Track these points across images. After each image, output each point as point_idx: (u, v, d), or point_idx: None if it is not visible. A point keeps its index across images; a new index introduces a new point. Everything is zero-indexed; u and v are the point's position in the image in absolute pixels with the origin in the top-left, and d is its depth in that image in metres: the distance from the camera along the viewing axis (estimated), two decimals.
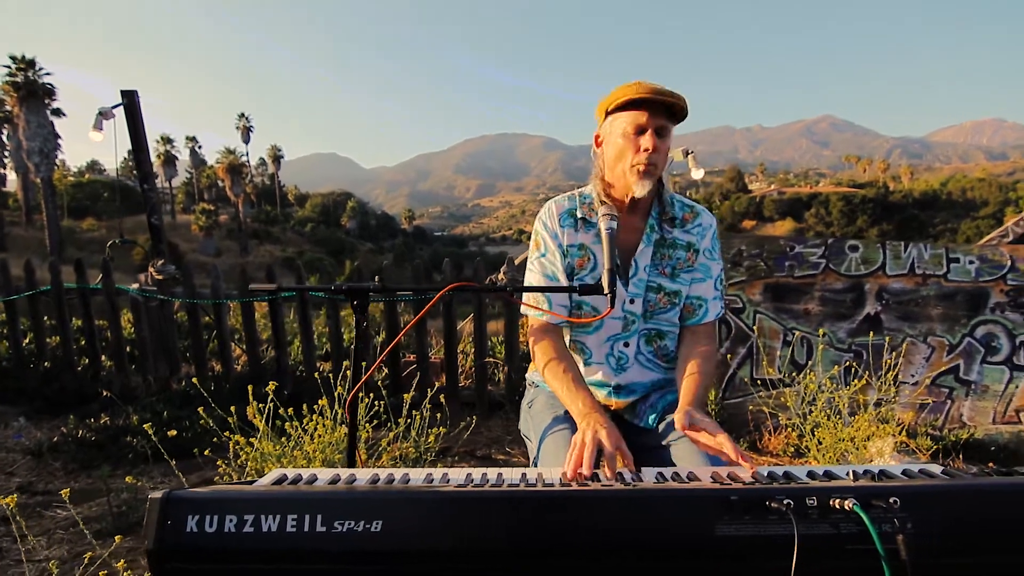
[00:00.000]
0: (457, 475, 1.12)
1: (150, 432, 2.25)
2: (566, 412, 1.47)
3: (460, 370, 4.25)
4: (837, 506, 0.79)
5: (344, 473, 1.14)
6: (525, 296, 1.50)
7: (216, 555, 0.83)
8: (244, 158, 62.39)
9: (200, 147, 67.18)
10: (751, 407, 3.57)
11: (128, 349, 4.55)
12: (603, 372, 1.54)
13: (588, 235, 1.49)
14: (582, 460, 1.11)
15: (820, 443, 2.89)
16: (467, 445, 3.38)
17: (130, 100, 3.64)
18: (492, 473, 1.13)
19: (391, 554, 0.81)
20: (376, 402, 2.48)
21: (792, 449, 3.25)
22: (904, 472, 1.09)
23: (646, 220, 1.49)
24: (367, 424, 2.41)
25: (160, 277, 3.98)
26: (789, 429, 3.22)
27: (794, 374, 3.46)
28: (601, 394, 1.56)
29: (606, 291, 1.28)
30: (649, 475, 1.10)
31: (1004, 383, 3.59)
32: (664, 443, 1.42)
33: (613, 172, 1.43)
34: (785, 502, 0.79)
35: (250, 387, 2.28)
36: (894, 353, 3.33)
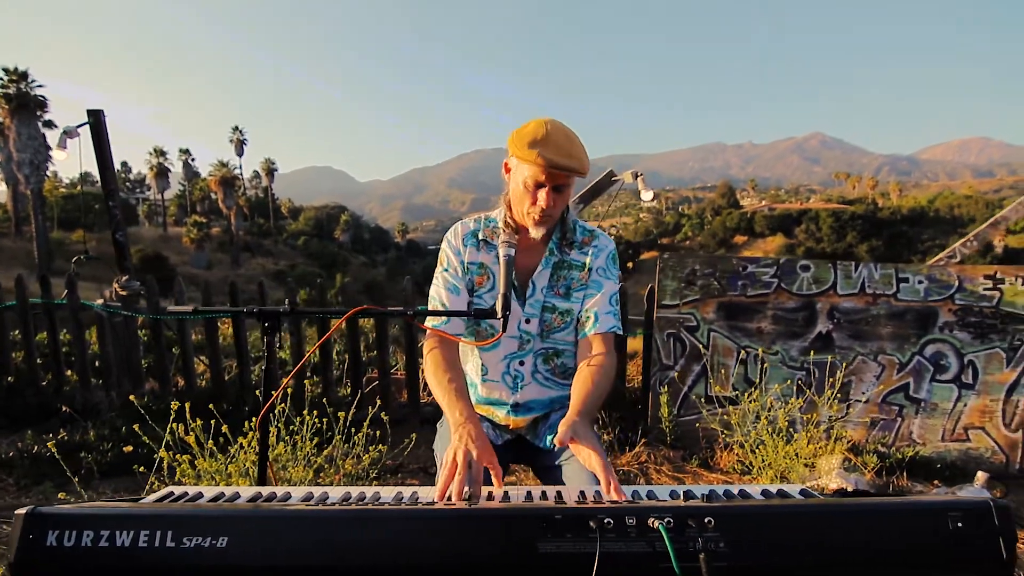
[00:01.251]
0: (337, 493, 1.16)
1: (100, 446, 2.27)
2: None
3: (423, 386, 4.29)
4: (653, 525, 0.84)
5: (229, 491, 1.18)
6: (432, 302, 1.56)
7: (71, 570, 0.87)
8: (237, 171, 62.47)
9: (194, 159, 67.31)
10: (703, 425, 3.62)
11: (96, 364, 4.56)
12: (501, 390, 1.59)
13: (489, 256, 1.56)
14: (451, 481, 1.13)
15: (764, 460, 2.95)
16: (421, 461, 3.40)
17: (96, 119, 3.70)
18: (369, 491, 1.17)
19: (234, 569, 0.85)
20: (320, 419, 2.52)
21: (740, 466, 3.29)
22: (763, 492, 1.14)
23: (547, 243, 1.55)
24: (308, 442, 2.45)
25: (124, 293, 4.01)
26: (737, 446, 3.27)
27: (748, 392, 3.52)
28: (501, 412, 1.61)
29: (499, 315, 1.34)
30: (519, 495, 1.14)
31: (952, 401, 3.66)
32: (557, 463, 1.47)
33: (515, 206, 1.50)
34: (605, 521, 0.84)
35: (187, 404, 2.31)
36: (838, 373, 3.40)
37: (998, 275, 3.72)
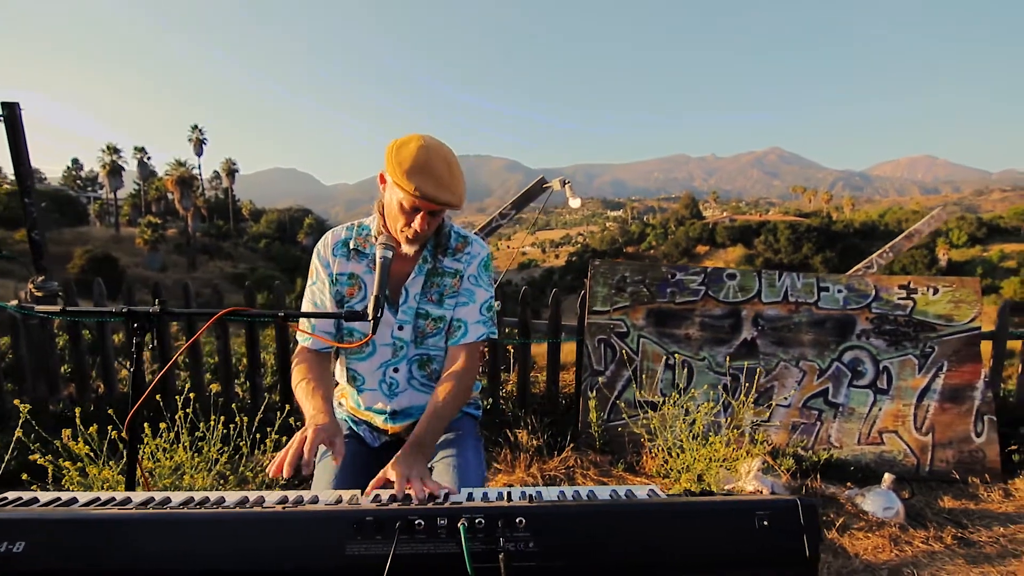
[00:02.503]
0: (180, 497, 1.13)
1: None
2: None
3: None
4: (464, 523, 0.84)
5: (66, 495, 1.13)
6: (301, 322, 1.54)
7: None
8: (196, 171, 60.69)
9: (149, 158, 65.04)
10: (631, 429, 3.67)
11: (11, 368, 4.33)
12: (377, 398, 1.58)
13: (360, 265, 1.55)
14: (283, 461, 1.15)
15: (683, 464, 3.01)
16: None
17: (11, 112, 3.53)
18: (233, 496, 1.14)
19: (28, 574, 0.82)
20: (227, 426, 2.45)
21: (664, 470, 3.35)
22: (611, 493, 1.16)
23: (421, 251, 1.55)
24: (212, 447, 2.38)
25: (40, 294, 3.83)
26: (658, 451, 3.33)
27: (675, 396, 3.59)
28: (379, 420, 1.60)
29: (370, 317, 1.33)
30: (350, 496, 1.14)
31: (868, 406, 3.80)
32: (429, 465, 1.46)
33: (389, 220, 1.48)
34: (416, 522, 0.84)
35: (77, 410, 2.21)
36: (760, 378, 3.50)
37: (911, 285, 3.91)
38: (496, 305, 3.85)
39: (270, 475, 1.13)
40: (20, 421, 2.23)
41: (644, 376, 3.76)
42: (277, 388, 4.66)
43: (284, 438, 2.46)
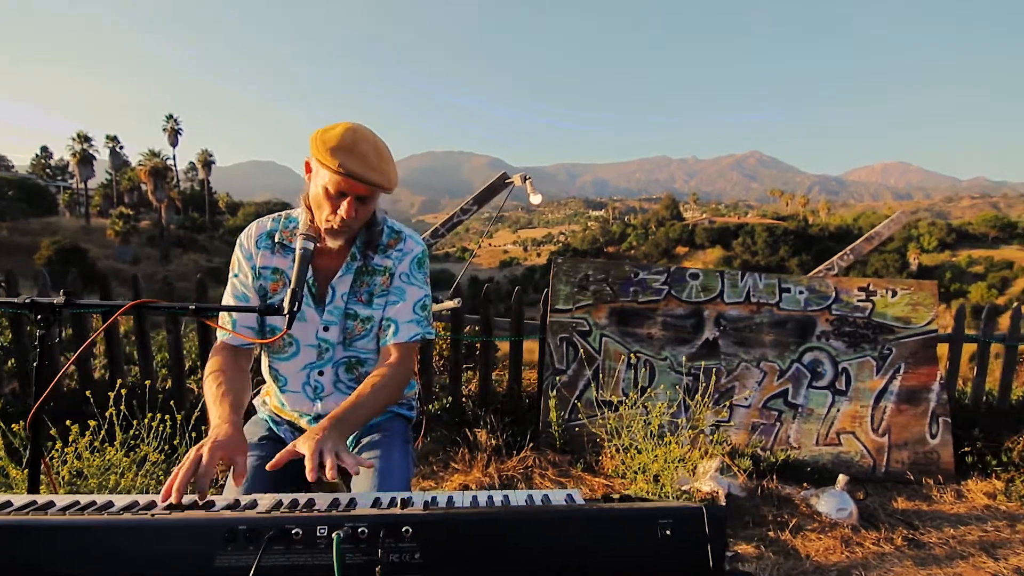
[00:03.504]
0: (64, 501, 1.05)
1: None
2: (260, 439, 1.45)
3: None
4: (343, 532, 0.79)
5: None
6: (221, 316, 1.46)
7: None
8: (171, 161, 59.41)
9: (122, 147, 63.49)
10: (591, 429, 3.64)
11: None
12: (301, 401, 1.51)
13: (285, 259, 1.46)
14: (175, 480, 1.04)
15: (640, 464, 2.98)
16: None
17: None
18: (122, 501, 1.06)
19: None
20: (164, 421, 2.35)
21: (623, 468, 3.33)
22: (527, 499, 1.11)
23: (349, 247, 1.47)
24: (148, 446, 2.28)
25: None
26: (615, 450, 3.30)
27: (634, 396, 3.57)
28: (303, 422, 1.54)
29: (286, 311, 1.26)
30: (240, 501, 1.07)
31: (827, 407, 3.83)
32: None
33: (315, 211, 1.40)
34: (294, 532, 0.78)
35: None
36: (721, 379, 3.50)
37: (871, 287, 3.94)
38: (455, 303, 3.77)
39: (160, 501, 1.01)
40: None
41: (606, 375, 3.73)
42: None
43: None
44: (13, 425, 2.12)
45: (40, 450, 1.41)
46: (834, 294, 3.90)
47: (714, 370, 3.71)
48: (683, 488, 3.10)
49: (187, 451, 2.38)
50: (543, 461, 3.44)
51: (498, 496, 1.11)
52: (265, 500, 1.06)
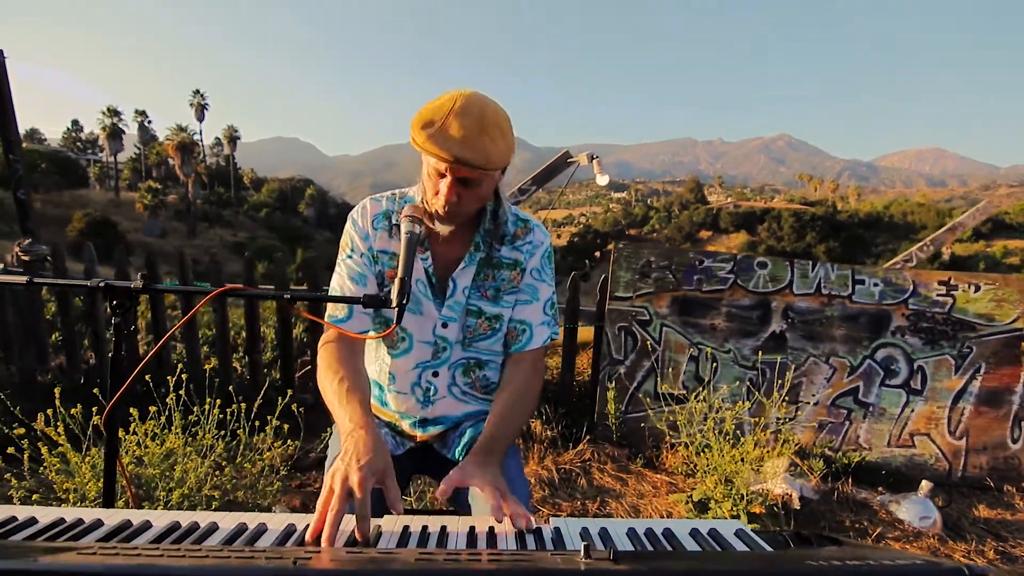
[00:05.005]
0: (161, 522, 0.92)
1: None
2: None
3: None
4: None
5: (23, 514, 0.92)
6: (328, 303, 1.31)
7: None
8: (197, 137, 59.92)
9: (150, 122, 64.15)
10: (651, 423, 3.48)
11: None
12: (408, 403, 1.35)
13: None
14: (323, 522, 0.87)
15: (710, 463, 2.81)
16: None
17: None
18: (228, 521, 0.93)
19: None
20: (226, 409, 2.24)
21: (686, 467, 3.17)
22: (692, 532, 0.95)
23: (472, 235, 1.30)
24: (209, 434, 2.17)
25: (27, 258, 3.61)
26: (683, 447, 3.14)
27: (698, 390, 3.39)
28: (406, 424, 1.38)
29: (394, 303, 1.10)
30: (392, 531, 0.92)
31: (900, 407, 3.61)
32: None
33: (425, 188, 1.24)
34: None
35: (56, 389, 2.00)
36: (788, 374, 3.30)
37: (952, 281, 3.67)
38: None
39: (308, 539, 0.85)
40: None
41: (666, 368, 3.55)
42: (277, 365, 4.47)
43: (287, 426, 2.25)
44: (41, 413, 2.02)
45: (116, 451, 1.28)
46: (912, 287, 3.65)
47: (780, 364, 3.51)
48: (752, 489, 2.93)
49: (249, 436, 2.26)
50: (601, 455, 3.29)
51: (659, 526, 0.95)
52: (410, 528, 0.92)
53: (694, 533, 0.94)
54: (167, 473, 2.02)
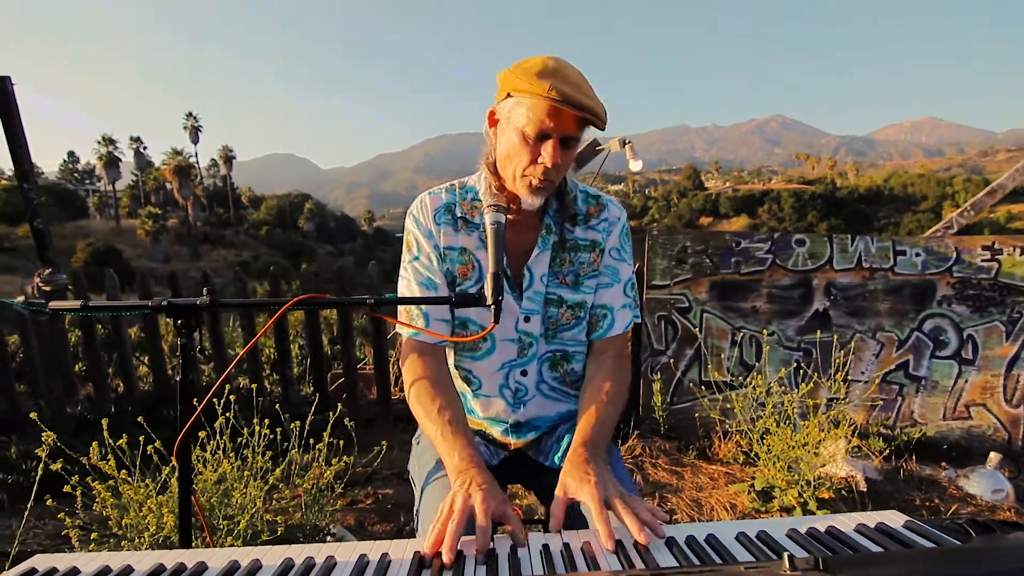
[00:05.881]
0: (274, 560, 0.83)
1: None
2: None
3: (395, 382, 3.94)
4: None
5: (118, 562, 0.83)
6: (399, 311, 1.21)
7: None
8: (193, 159, 60.02)
9: (145, 148, 64.29)
10: (699, 413, 3.38)
11: (27, 369, 4.06)
12: (498, 407, 1.25)
13: (471, 237, 1.19)
14: (444, 536, 0.82)
15: (769, 450, 2.71)
16: (396, 466, 3.07)
17: (1, 88, 3.19)
18: (321, 555, 0.84)
19: None
20: (273, 429, 2.15)
21: (743, 456, 3.07)
22: (859, 529, 0.85)
23: (542, 218, 1.20)
24: (260, 456, 2.08)
25: (48, 288, 3.53)
26: (738, 435, 3.03)
27: (742, 376, 3.29)
28: (497, 431, 1.28)
29: (489, 301, 1.01)
30: (535, 544, 0.83)
31: (953, 378, 3.50)
32: None
33: (502, 168, 1.14)
34: None
35: (103, 421, 1.91)
36: (843, 351, 3.19)
37: (996, 245, 3.56)
38: None
39: (427, 551, 0.80)
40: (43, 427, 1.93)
41: (709, 354, 3.45)
42: (306, 379, 4.38)
43: (341, 442, 2.16)
44: (92, 444, 1.93)
45: (190, 483, 1.19)
46: (955, 255, 3.53)
47: (826, 344, 3.40)
48: (814, 473, 2.82)
49: (297, 459, 2.17)
50: (652, 449, 3.19)
51: (820, 524, 0.86)
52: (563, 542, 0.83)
53: (861, 529, 0.84)
54: (223, 501, 1.93)
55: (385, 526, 2.53)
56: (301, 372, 4.50)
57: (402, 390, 4.11)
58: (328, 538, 2.20)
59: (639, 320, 1.28)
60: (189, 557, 0.84)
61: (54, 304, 1.20)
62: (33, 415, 1.96)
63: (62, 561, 0.84)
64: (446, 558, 0.79)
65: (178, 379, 1.19)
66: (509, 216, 1.12)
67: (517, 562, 0.79)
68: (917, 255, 3.54)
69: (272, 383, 4.09)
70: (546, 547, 0.83)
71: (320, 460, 2.17)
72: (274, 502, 2.07)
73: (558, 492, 0.96)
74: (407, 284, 1.20)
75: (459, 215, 1.19)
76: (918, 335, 3.53)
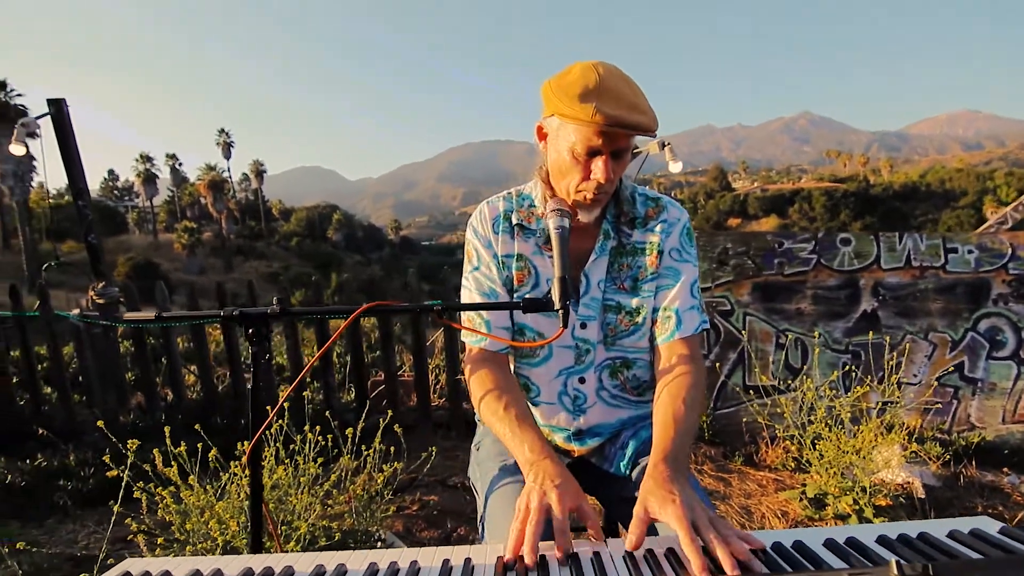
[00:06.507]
0: (358, 564, 0.84)
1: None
2: (512, 463, 1.18)
3: (433, 388, 3.96)
4: None
5: (208, 566, 0.85)
6: (462, 318, 1.22)
7: None
8: (226, 174, 61.76)
9: (180, 164, 66.43)
10: (745, 417, 3.31)
11: (80, 379, 4.22)
12: (558, 414, 1.24)
13: (527, 244, 1.20)
14: (523, 537, 0.82)
15: (822, 456, 2.64)
16: (438, 472, 3.08)
17: (58, 110, 3.32)
18: (405, 559, 0.84)
19: None
20: (324, 435, 2.19)
21: (793, 463, 2.99)
22: (952, 535, 0.82)
23: (600, 223, 1.19)
24: (312, 462, 2.11)
25: (101, 301, 3.66)
26: (787, 441, 2.96)
27: (789, 380, 3.21)
28: (559, 438, 1.27)
29: (557, 306, 1.00)
30: (613, 560, 0.82)
31: (1012, 380, 3.36)
32: (635, 494, 1.13)
33: (555, 181, 1.14)
34: None
35: (166, 429, 1.97)
36: (894, 352, 3.09)
37: None
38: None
39: (508, 556, 0.81)
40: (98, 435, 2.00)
41: (753, 358, 3.38)
42: (345, 386, 4.44)
43: (392, 448, 2.18)
44: (178, 448, 1.98)
45: (261, 490, 1.22)
46: (1010, 251, 3.41)
47: (876, 345, 3.30)
48: (868, 480, 2.74)
49: (348, 464, 2.19)
50: (697, 455, 3.14)
51: (912, 530, 0.83)
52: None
53: (955, 535, 0.81)
54: (279, 506, 1.96)
55: (433, 532, 2.54)
56: (340, 379, 4.56)
57: (441, 396, 4.13)
58: (379, 544, 2.22)
59: (707, 326, 1.24)
60: (275, 561, 0.86)
61: (129, 315, 1.24)
62: (100, 423, 2.02)
63: (153, 565, 0.86)
64: (528, 560, 0.79)
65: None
66: (585, 217, 1.13)
67: (602, 566, 0.78)
68: (970, 252, 3.43)
69: (313, 391, 4.16)
70: (629, 554, 0.82)
71: (370, 466, 2.19)
72: (331, 508, 2.10)
73: (638, 510, 0.91)
74: (468, 294, 1.22)
75: (516, 222, 1.20)
76: (973, 335, 3.41)
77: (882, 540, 0.82)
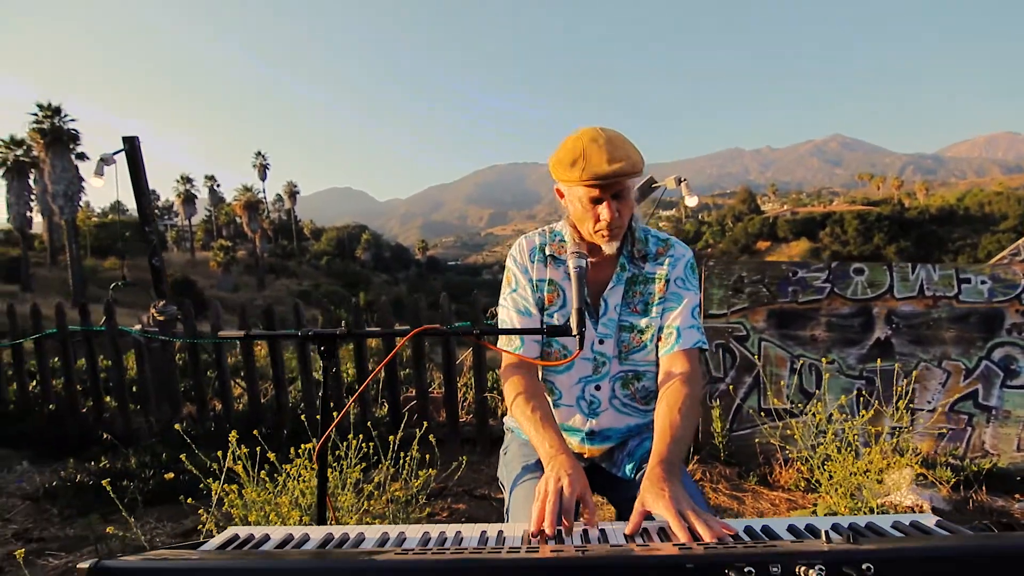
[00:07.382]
0: (415, 533, 1.06)
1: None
2: (538, 461, 1.41)
3: (461, 405, 4.19)
4: (802, 574, 0.72)
5: (297, 532, 1.09)
6: (500, 337, 1.46)
7: None
8: (261, 195, 63.82)
9: (219, 185, 68.95)
10: (759, 439, 3.45)
11: (135, 389, 4.57)
12: (575, 416, 1.48)
13: (558, 271, 1.46)
14: (544, 513, 1.04)
15: (831, 477, 2.77)
16: (465, 484, 3.29)
17: (131, 146, 3.73)
18: (450, 531, 1.07)
19: None
20: (366, 443, 2.43)
21: (804, 483, 3.12)
22: (894, 525, 1.01)
23: (618, 257, 1.44)
24: (357, 467, 2.35)
25: (161, 318, 4.01)
26: (799, 462, 3.09)
27: (802, 404, 3.35)
28: (574, 440, 1.49)
29: (574, 332, 1.24)
30: (615, 533, 1.03)
31: None
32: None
33: (580, 227, 1.40)
34: (746, 570, 0.73)
35: (232, 433, 2.23)
36: (905, 380, 3.21)
37: None
38: None
39: (532, 529, 1.02)
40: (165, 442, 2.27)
41: (768, 382, 3.53)
42: (378, 402, 4.70)
43: (427, 455, 2.41)
44: (220, 450, 2.24)
45: (326, 479, 1.46)
46: (1023, 282, 3.50)
47: (889, 372, 3.41)
48: (879, 502, 2.85)
49: (388, 470, 2.40)
50: (712, 474, 3.28)
51: (861, 521, 1.02)
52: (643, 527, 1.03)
53: (896, 525, 1.00)
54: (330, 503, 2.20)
55: None
56: (374, 395, 4.82)
57: (468, 413, 4.35)
58: None
59: (705, 347, 1.47)
60: (350, 530, 1.09)
61: (223, 334, 1.51)
62: (178, 426, 2.30)
63: (256, 531, 1.10)
64: (549, 530, 1.02)
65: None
66: (591, 259, 1.38)
67: (605, 536, 1.00)
68: (983, 283, 3.53)
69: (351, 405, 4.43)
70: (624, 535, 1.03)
71: (406, 473, 2.42)
72: (372, 507, 2.32)
73: (636, 504, 1.12)
74: (507, 311, 1.47)
75: (548, 253, 1.46)
76: (987, 364, 3.49)
77: (835, 527, 1.01)
